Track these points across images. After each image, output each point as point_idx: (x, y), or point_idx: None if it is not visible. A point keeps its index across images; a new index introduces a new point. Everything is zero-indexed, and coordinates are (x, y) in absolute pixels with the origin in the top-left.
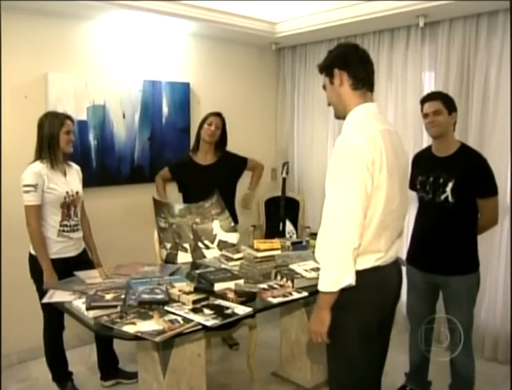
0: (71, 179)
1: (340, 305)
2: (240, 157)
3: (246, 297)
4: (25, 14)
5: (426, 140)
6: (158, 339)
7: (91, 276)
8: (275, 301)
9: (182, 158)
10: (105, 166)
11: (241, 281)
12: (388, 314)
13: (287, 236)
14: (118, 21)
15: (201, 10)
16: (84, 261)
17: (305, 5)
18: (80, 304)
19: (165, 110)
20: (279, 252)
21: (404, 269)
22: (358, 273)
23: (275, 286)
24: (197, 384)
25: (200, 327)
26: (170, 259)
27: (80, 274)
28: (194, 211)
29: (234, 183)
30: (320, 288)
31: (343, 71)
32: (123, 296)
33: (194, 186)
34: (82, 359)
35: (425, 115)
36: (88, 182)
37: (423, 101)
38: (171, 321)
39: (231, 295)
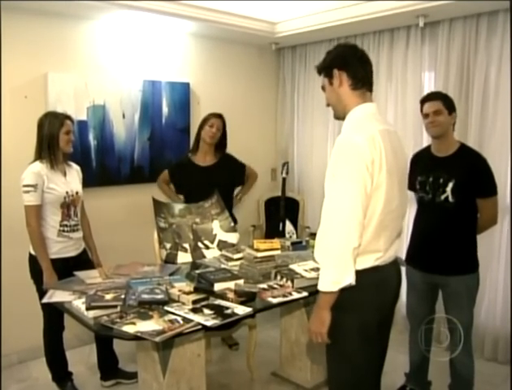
0: (71, 179)
1: (340, 304)
2: (239, 162)
3: (246, 297)
4: (25, 14)
5: (426, 140)
6: (157, 339)
7: (91, 276)
8: (274, 301)
9: (181, 159)
10: (105, 166)
11: (241, 281)
12: (388, 313)
13: (287, 236)
14: (118, 21)
15: (201, 10)
16: (84, 261)
17: (305, 5)
18: (79, 304)
19: (165, 110)
20: (279, 252)
21: (403, 269)
22: (358, 273)
23: (275, 286)
24: (196, 384)
25: (200, 327)
26: (170, 259)
27: (80, 274)
28: (194, 211)
29: (233, 184)
30: (320, 287)
31: (342, 71)
32: (122, 296)
33: (195, 187)
34: (82, 359)
35: (425, 115)
36: (88, 182)
37: (423, 101)
38: (170, 321)
39: (231, 295)
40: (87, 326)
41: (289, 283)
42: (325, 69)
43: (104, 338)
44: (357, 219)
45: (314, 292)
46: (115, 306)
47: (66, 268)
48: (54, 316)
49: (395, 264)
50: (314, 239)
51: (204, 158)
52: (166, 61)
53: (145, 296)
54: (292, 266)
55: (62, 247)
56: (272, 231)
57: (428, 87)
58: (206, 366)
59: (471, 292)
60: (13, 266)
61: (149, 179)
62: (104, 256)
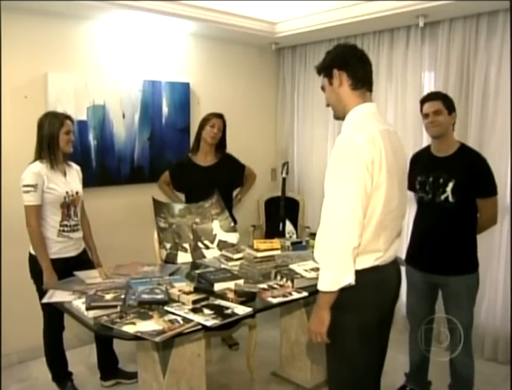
0: (71, 179)
1: (340, 304)
2: (239, 163)
3: (246, 297)
4: (25, 14)
5: (426, 140)
6: (157, 339)
7: (91, 276)
8: (274, 301)
9: (181, 159)
10: (105, 166)
11: (241, 281)
12: (388, 313)
13: (287, 236)
14: (118, 21)
15: (201, 10)
16: (84, 261)
17: (305, 5)
18: (79, 304)
19: (165, 110)
20: (278, 252)
21: (403, 269)
22: (358, 272)
23: (275, 286)
24: (196, 384)
25: (200, 327)
26: (170, 259)
27: (80, 274)
28: (194, 211)
29: (233, 185)
30: (320, 287)
31: (342, 71)
32: (122, 296)
33: (195, 187)
34: (82, 359)
35: (425, 115)
36: (88, 182)
37: (423, 101)
38: (170, 321)
39: (231, 295)
40: (87, 326)
41: (289, 283)
42: (325, 69)
43: (104, 338)
44: (357, 219)
45: (314, 292)
46: (115, 306)
47: (66, 268)
48: (54, 316)
49: (395, 264)
50: (314, 239)
51: (205, 158)
52: (166, 61)
53: (145, 296)
54: (292, 266)
55: (62, 247)
56: (272, 231)
57: (428, 87)
58: (206, 366)
59: (471, 292)
60: (13, 266)
61: (149, 179)
62: (104, 256)
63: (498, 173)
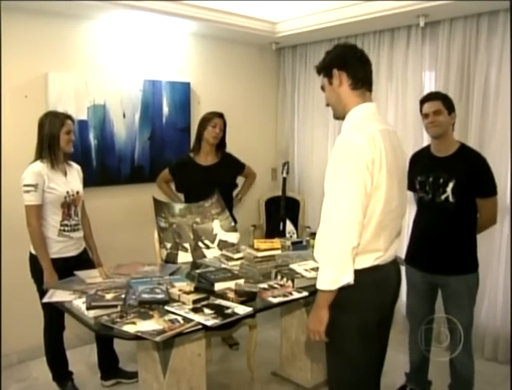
0: (72, 179)
1: (340, 304)
2: (239, 162)
3: (246, 297)
4: (25, 14)
5: (426, 140)
6: (158, 338)
7: (91, 276)
8: (275, 300)
9: (182, 158)
10: (105, 165)
11: (241, 281)
12: (388, 312)
13: (287, 235)
14: (118, 21)
15: (202, 10)
16: (84, 260)
17: (305, 5)
18: (80, 303)
19: (165, 109)
20: (279, 252)
21: (403, 269)
22: (358, 272)
23: (276, 286)
24: (197, 384)
25: (200, 326)
26: (170, 259)
27: (81, 273)
28: (194, 211)
29: (233, 184)
30: (319, 286)
31: (342, 71)
32: (123, 296)
33: (196, 186)
34: (82, 359)
35: (425, 115)
36: (88, 182)
37: (423, 101)
38: (171, 321)
39: (231, 295)
40: (87, 325)
41: (290, 282)
42: (324, 69)
43: (104, 338)
44: (356, 219)
45: (314, 291)
46: (116, 306)
47: (66, 268)
48: (55, 316)
49: (395, 263)
50: (314, 239)
51: (206, 158)
52: (166, 61)
53: (146, 296)
54: (292, 266)
55: (62, 247)
56: (273, 230)
57: (429, 87)
58: (206, 365)
59: (471, 292)
60: (13, 266)
61: (150, 178)
62: (104, 256)
63: (498, 173)
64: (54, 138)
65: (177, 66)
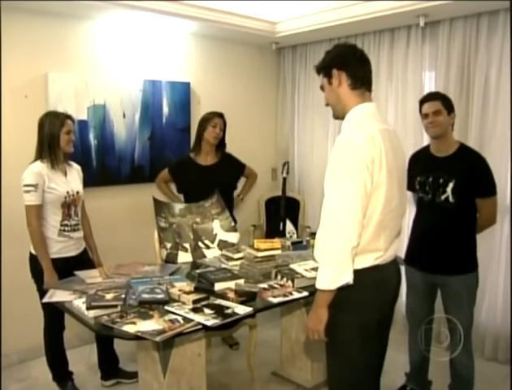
0: (72, 179)
1: (341, 303)
2: (239, 162)
3: (246, 297)
4: (25, 14)
5: (426, 140)
6: (158, 338)
7: (91, 276)
8: (275, 300)
9: (182, 158)
10: (105, 165)
11: (242, 281)
12: (388, 312)
13: (287, 235)
14: (118, 21)
15: (202, 10)
16: (84, 260)
17: (305, 5)
18: (80, 303)
19: (165, 109)
20: (279, 251)
21: (403, 268)
22: (358, 272)
23: (276, 286)
24: (197, 384)
25: (200, 326)
26: (170, 259)
27: (81, 273)
28: (194, 211)
29: (234, 184)
30: (318, 285)
31: (341, 71)
32: (123, 296)
33: (196, 186)
34: (82, 359)
35: (425, 116)
36: (88, 182)
37: (423, 101)
38: (171, 321)
39: (231, 295)
40: (87, 325)
41: (290, 282)
42: (324, 69)
43: (104, 338)
44: (356, 219)
45: (314, 291)
46: (116, 306)
47: (66, 268)
48: (55, 316)
49: (395, 263)
50: (314, 238)
51: (206, 158)
52: (166, 61)
53: (146, 296)
54: (292, 266)
55: (62, 247)
56: (273, 230)
57: (429, 87)
58: (206, 365)
59: (471, 292)
60: (13, 266)
61: (150, 178)
62: (104, 256)
63: (498, 173)
64: (54, 138)
65: (177, 66)
